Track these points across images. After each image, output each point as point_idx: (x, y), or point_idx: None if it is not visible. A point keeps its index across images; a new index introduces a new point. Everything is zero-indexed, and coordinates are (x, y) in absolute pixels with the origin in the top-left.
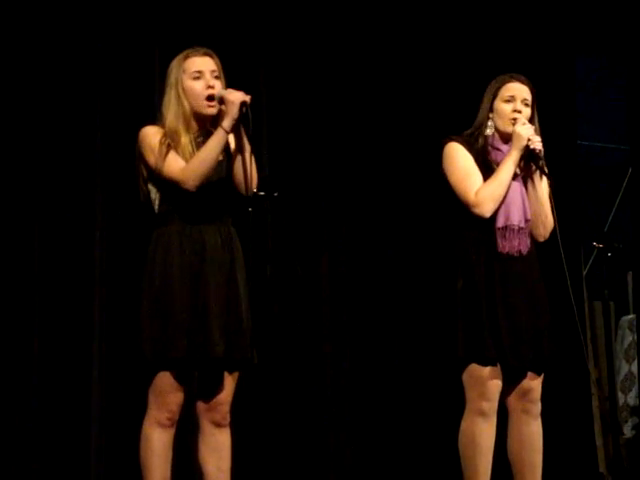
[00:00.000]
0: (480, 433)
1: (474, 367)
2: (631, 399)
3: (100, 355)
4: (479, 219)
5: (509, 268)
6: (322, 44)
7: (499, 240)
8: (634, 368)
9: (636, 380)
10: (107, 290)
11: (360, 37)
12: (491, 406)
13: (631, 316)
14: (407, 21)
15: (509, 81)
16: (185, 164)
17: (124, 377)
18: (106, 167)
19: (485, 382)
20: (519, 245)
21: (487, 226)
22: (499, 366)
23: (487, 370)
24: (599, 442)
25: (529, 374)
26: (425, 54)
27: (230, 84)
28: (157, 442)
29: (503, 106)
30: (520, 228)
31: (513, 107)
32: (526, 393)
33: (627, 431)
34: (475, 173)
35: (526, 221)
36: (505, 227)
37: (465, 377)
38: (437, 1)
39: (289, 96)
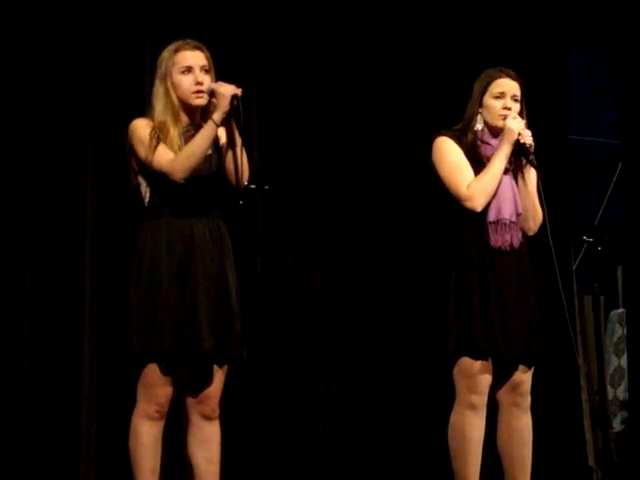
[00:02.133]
0: (470, 426)
1: (465, 361)
2: (620, 393)
3: (90, 347)
4: (470, 213)
5: (501, 262)
6: (313, 38)
7: (491, 234)
8: (623, 362)
9: (625, 374)
10: (98, 282)
11: (350, 31)
12: (481, 400)
13: (621, 310)
14: (396, 15)
15: (499, 76)
16: (174, 156)
17: (114, 369)
18: (97, 160)
19: (475, 376)
20: (511, 239)
21: (478, 220)
22: (490, 360)
23: (478, 364)
24: (588, 436)
25: (520, 367)
26: (414, 47)
27: (221, 77)
28: (146, 435)
29: (493, 102)
30: (512, 222)
31: (503, 104)
32: (516, 386)
33: (616, 425)
34: (466, 167)
35: (517, 215)
36: (497, 221)
37: (456, 370)
38: None
39: (280, 89)
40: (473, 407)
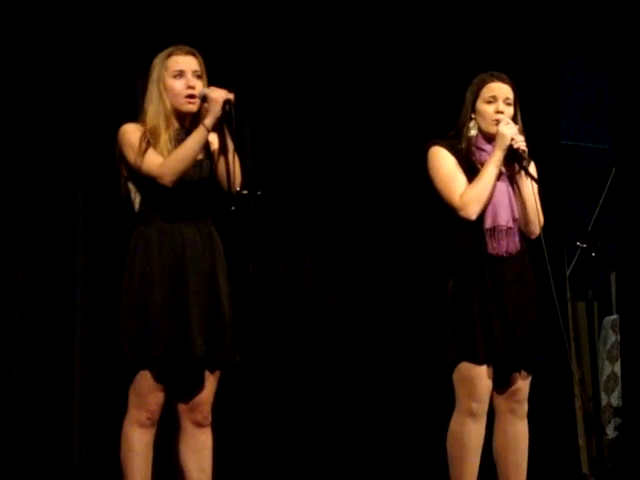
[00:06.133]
0: (469, 434)
1: (465, 367)
2: (614, 400)
3: (82, 354)
4: (467, 222)
5: (500, 268)
6: (306, 44)
7: (488, 241)
8: (617, 368)
9: (619, 381)
10: (89, 289)
11: (343, 36)
12: (481, 407)
13: (614, 316)
14: (390, 21)
15: (490, 81)
16: (164, 160)
17: (105, 376)
18: (88, 166)
19: (475, 382)
20: (508, 245)
21: (476, 228)
22: (491, 367)
23: (478, 370)
24: (582, 443)
25: (518, 374)
26: (408, 54)
27: (213, 82)
28: (137, 442)
29: (485, 107)
30: (508, 228)
31: (495, 108)
32: (514, 393)
33: (610, 432)
34: (459, 176)
35: (514, 220)
36: (493, 228)
37: (455, 377)
38: (420, 5)
39: (273, 94)
40: (473, 414)
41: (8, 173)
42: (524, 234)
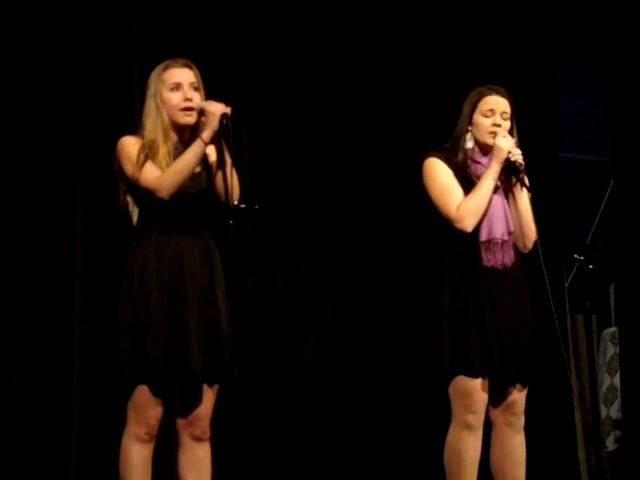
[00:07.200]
0: (466, 446)
1: (461, 380)
2: (614, 412)
3: (80, 368)
4: (462, 234)
5: (494, 281)
6: (303, 56)
7: (483, 254)
8: (616, 381)
9: (618, 393)
10: (87, 302)
11: (340, 47)
12: (477, 419)
13: (613, 329)
14: (387, 31)
15: (488, 94)
16: (162, 173)
17: (104, 391)
18: (85, 179)
19: (471, 395)
20: (503, 258)
21: (471, 240)
22: (487, 379)
23: (474, 383)
24: (581, 455)
25: (514, 387)
26: (405, 65)
27: (211, 96)
28: (136, 457)
29: (482, 120)
30: (503, 241)
31: (492, 121)
32: (510, 406)
33: (609, 444)
34: (455, 188)
35: (509, 233)
36: (488, 241)
37: (451, 390)
38: (417, 15)
39: (270, 108)
40: (470, 427)
41: (6, 186)
42: (517, 248)
